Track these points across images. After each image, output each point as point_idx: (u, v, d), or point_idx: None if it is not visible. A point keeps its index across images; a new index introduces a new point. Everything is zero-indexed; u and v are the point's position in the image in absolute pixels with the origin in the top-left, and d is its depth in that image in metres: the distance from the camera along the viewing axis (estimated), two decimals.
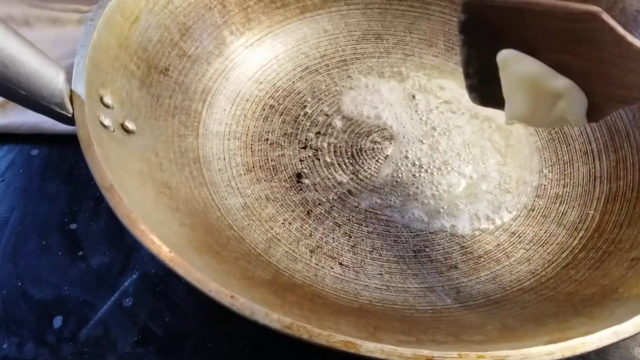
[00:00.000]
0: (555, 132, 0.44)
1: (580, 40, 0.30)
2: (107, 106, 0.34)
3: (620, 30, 0.28)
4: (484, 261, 0.37)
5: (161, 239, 0.27)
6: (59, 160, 0.44)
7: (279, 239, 0.38)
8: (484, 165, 0.42)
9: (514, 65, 0.33)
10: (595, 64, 0.30)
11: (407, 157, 0.42)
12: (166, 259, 0.26)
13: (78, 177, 0.43)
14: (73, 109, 0.31)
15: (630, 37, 0.28)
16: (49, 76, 0.30)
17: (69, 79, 0.32)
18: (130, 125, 0.35)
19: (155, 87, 0.40)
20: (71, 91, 0.32)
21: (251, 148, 0.42)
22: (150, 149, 0.36)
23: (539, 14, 0.31)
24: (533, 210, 0.40)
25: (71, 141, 0.44)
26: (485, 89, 0.36)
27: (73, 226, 0.40)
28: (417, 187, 0.41)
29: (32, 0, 0.54)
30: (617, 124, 0.42)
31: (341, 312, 0.32)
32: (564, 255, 0.37)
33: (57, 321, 0.36)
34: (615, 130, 0.42)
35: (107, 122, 0.33)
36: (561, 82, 0.31)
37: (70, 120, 0.32)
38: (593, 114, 0.31)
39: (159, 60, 0.40)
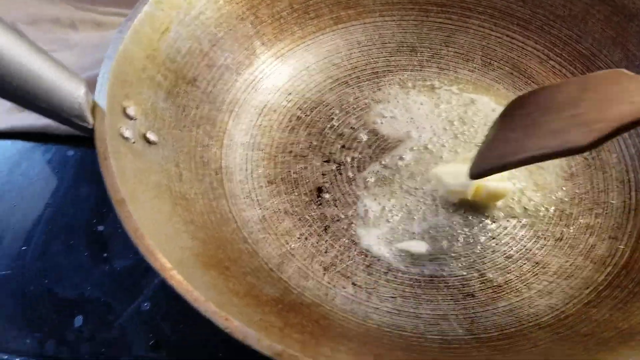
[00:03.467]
0: (592, 159, 0.42)
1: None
2: (129, 117, 0.35)
3: None
4: (502, 291, 0.36)
5: (166, 255, 0.28)
6: (92, 162, 0.45)
7: (293, 254, 0.38)
8: (513, 187, 0.41)
9: None
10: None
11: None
12: (166, 276, 0.27)
13: None
14: (94, 121, 0.33)
15: None
16: (69, 89, 0.31)
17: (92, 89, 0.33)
18: (152, 136, 0.36)
19: (181, 98, 0.40)
20: (93, 102, 0.33)
21: (274, 160, 0.43)
22: (171, 160, 0.37)
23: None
24: (561, 240, 0.38)
25: None
26: None
27: (100, 228, 0.42)
28: None
29: (78, 3, 0.56)
30: None
31: (344, 336, 0.32)
32: (587, 291, 0.35)
33: (78, 320, 0.38)
34: None
35: (127, 133, 0.34)
36: None
37: (90, 132, 0.33)
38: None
39: (187, 71, 0.41)
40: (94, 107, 0.33)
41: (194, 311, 0.38)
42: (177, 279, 0.27)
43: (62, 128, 0.46)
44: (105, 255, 0.41)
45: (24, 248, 0.41)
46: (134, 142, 0.34)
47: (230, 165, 0.41)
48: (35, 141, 0.47)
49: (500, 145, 0.34)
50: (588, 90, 0.31)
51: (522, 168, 0.42)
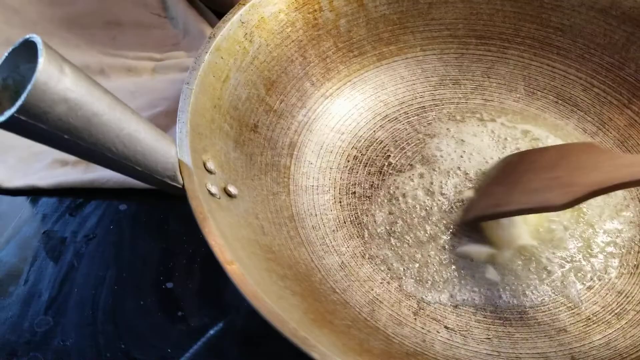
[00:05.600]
0: None
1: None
2: (210, 172, 0.34)
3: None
4: (593, 323, 0.36)
5: (286, 316, 0.27)
6: (148, 215, 0.44)
7: (380, 301, 0.37)
8: (584, 216, 0.41)
9: None
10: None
11: None
12: (302, 345, 0.25)
13: (168, 233, 0.43)
14: (183, 180, 0.31)
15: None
16: (163, 150, 0.30)
17: None
18: (232, 189, 0.35)
19: (247, 146, 0.39)
20: (179, 161, 0.32)
21: (340, 202, 0.42)
22: (251, 212, 0.36)
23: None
24: (638, 268, 0.39)
25: (159, 195, 0.44)
26: None
27: (169, 285, 0.40)
28: None
29: (106, 49, 0.54)
30: None
31: None
32: None
33: None
34: None
35: (213, 189, 0.33)
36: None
37: (179, 191, 0.31)
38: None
39: (248, 118, 0.40)
40: (181, 165, 0.31)
41: None
42: (315, 347, 0.25)
43: (111, 182, 0.45)
44: (180, 314, 0.39)
45: (90, 312, 0.39)
46: (219, 198, 0.33)
47: (300, 211, 0.40)
48: (83, 197, 0.45)
49: (488, 198, 0.39)
50: (565, 157, 0.36)
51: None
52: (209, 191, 0.32)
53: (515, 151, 0.45)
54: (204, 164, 0.34)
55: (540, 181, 0.35)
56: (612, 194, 0.42)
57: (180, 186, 0.31)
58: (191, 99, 0.35)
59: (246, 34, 0.41)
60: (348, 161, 0.44)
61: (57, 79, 0.24)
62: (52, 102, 0.24)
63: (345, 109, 0.47)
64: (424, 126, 0.47)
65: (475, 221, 0.40)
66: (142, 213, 0.44)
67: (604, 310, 0.37)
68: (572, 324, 0.36)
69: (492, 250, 0.39)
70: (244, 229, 0.34)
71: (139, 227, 0.43)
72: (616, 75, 0.46)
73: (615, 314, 0.37)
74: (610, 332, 0.36)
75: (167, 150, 0.30)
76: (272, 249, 0.35)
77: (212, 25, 0.55)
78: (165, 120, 0.48)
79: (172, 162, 0.31)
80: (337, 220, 0.41)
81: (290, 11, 0.43)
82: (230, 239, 0.30)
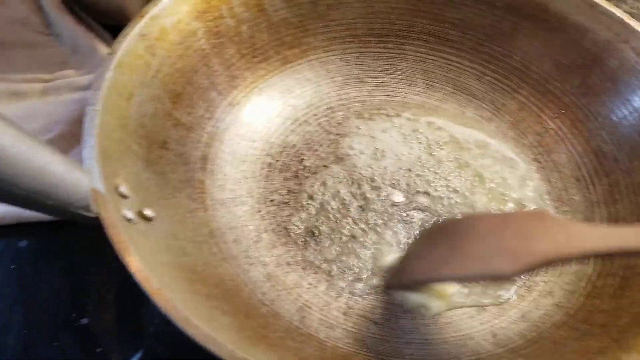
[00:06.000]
0: (545, 161, 0.46)
1: None
2: (124, 196, 0.32)
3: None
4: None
5: (223, 339, 0.26)
6: (51, 249, 0.41)
7: (309, 306, 0.37)
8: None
9: None
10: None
11: (413, 201, 0.43)
12: None
13: (76, 266, 0.40)
14: (98, 208, 0.29)
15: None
16: (75, 180, 0.28)
17: None
18: (148, 212, 0.33)
19: (158, 164, 0.38)
20: (92, 190, 0.30)
21: (259, 211, 0.41)
22: (170, 234, 0.35)
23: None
24: None
25: (61, 227, 0.41)
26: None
27: (84, 321, 0.38)
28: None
29: None
30: (603, 148, 0.44)
31: None
32: (582, 284, 0.38)
33: None
34: (602, 155, 0.44)
35: (129, 214, 0.31)
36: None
37: (94, 222, 0.30)
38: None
39: (157, 134, 0.39)
40: (94, 193, 0.30)
41: None
42: None
43: (7, 219, 0.41)
44: (98, 350, 0.37)
45: None
46: (136, 223, 0.32)
47: (220, 225, 0.39)
48: None
49: (423, 261, 0.35)
50: (512, 225, 0.33)
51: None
52: (124, 217, 0.31)
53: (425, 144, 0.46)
54: (117, 189, 0.32)
55: (485, 248, 0.32)
56: None
57: (95, 216, 0.30)
58: (97, 121, 0.33)
59: (147, 46, 0.39)
60: (262, 169, 0.44)
61: None
62: None
63: (255, 116, 0.46)
64: (334, 126, 0.47)
65: (407, 286, 0.38)
66: (45, 248, 0.41)
67: (516, 285, 0.39)
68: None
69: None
70: (164, 253, 0.32)
71: (43, 264, 0.40)
72: (505, 63, 0.49)
73: (526, 286, 0.39)
74: (524, 304, 0.38)
75: (79, 180, 0.29)
76: (195, 269, 0.34)
77: (103, 40, 0.52)
78: (61, 144, 0.45)
79: (84, 192, 0.29)
80: (258, 231, 0.40)
81: (191, 20, 0.42)
82: (153, 265, 0.29)
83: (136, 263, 0.28)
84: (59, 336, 0.37)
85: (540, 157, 0.47)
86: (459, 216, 0.42)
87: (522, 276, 0.36)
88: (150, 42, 0.39)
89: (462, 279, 0.36)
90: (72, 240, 0.41)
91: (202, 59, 0.43)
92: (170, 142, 0.40)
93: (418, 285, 0.37)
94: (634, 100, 0.45)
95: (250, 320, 0.33)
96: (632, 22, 0.44)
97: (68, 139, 0.45)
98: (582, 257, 0.30)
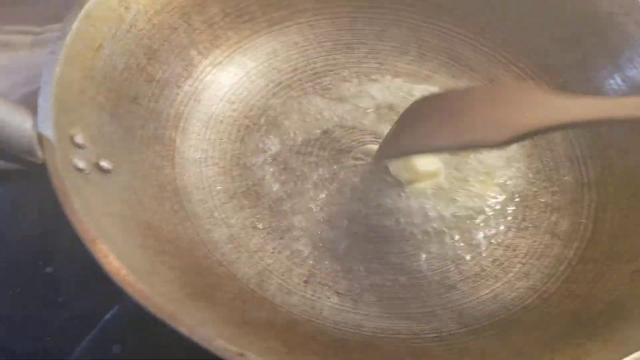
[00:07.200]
0: (538, 139, 0.44)
1: None
2: (79, 146, 0.32)
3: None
4: (481, 279, 0.37)
5: (156, 294, 0.26)
6: (19, 197, 0.41)
7: (270, 271, 0.36)
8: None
9: None
10: None
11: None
12: (169, 320, 0.24)
13: (46, 215, 0.40)
14: (44, 155, 0.29)
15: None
16: (16, 123, 0.28)
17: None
18: (105, 163, 0.33)
19: (126, 119, 0.37)
20: (39, 135, 0.29)
21: (230, 174, 0.41)
22: (128, 187, 0.34)
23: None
24: (525, 221, 0.40)
25: (36, 177, 0.41)
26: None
27: (49, 269, 0.38)
28: None
29: None
30: (600, 130, 0.42)
31: (351, 349, 0.31)
32: (562, 268, 0.37)
33: None
34: (597, 135, 0.42)
35: (81, 164, 0.31)
36: None
37: (41, 168, 0.29)
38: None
39: (127, 89, 0.38)
40: (41, 140, 0.29)
41: (167, 345, 0.36)
42: (182, 321, 0.24)
43: None
44: (60, 299, 0.37)
45: None
46: (88, 173, 0.31)
47: (187, 184, 0.39)
48: None
49: (411, 134, 0.37)
50: (502, 96, 0.35)
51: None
52: (75, 166, 0.30)
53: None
54: (72, 138, 0.32)
55: (476, 117, 0.33)
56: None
57: (39, 162, 0.29)
58: (56, 70, 0.32)
59: (121, 0, 0.38)
60: (239, 131, 0.43)
61: None
62: None
63: (236, 78, 0.45)
64: (318, 92, 0.46)
65: (396, 156, 0.39)
66: (13, 196, 0.41)
67: (492, 264, 0.38)
68: (462, 280, 0.37)
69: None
70: (117, 205, 0.32)
71: (9, 211, 0.40)
72: (502, 33, 0.47)
73: (503, 268, 0.38)
74: (498, 285, 0.37)
75: (21, 123, 0.28)
76: (151, 224, 0.34)
77: None
78: None
79: (27, 136, 0.28)
80: (227, 192, 0.40)
81: None
82: (97, 216, 0.29)
83: (75, 211, 0.27)
84: (20, 282, 0.37)
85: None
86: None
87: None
88: None
89: (454, 148, 0.37)
90: (46, 189, 0.41)
91: (182, 16, 0.42)
92: (141, 98, 0.39)
93: (410, 155, 0.39)
94: (636, 76, 0.42)
95: (199, 278, 0.32)
96: None
97: None
98: (568, 127, 0.32)
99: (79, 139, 0.32)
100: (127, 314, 0.37)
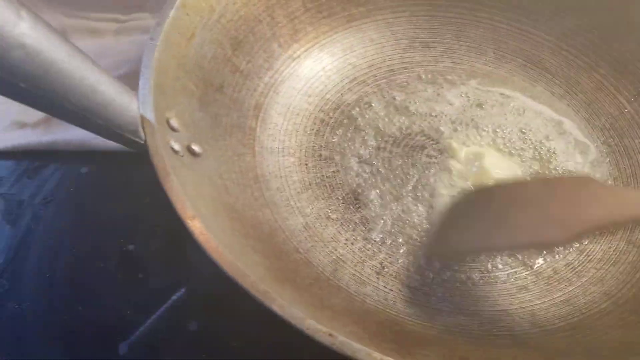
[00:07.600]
0: (615, 145, 0.43)
1: None
2: (174, 130, 0.33)
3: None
4: (554, 281, 0.37)
5: (248, 271, 0.27)
6: (110, 179, 0.43)
7: (344, 261, 0.37)
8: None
9: None
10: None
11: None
12: (264, 299, 0.25)
13: (131, 196, 0.42)
14: (145, 136, 0.31)
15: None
16: (124, 104, 0.29)
17: None
18: (196, 148, 0.34)
19: (213, 106, 0.39)
20: (141, 117, 0.31)
21: (306, 164, 0.42)
22: (215, 172, 0.35)
23: None
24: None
25: (122, 158, 0.43)
26: None
27: (131, 247, 0.39)
28: None
29: (67, 10, 0.53)
30: None
31: (424, 341, 0.32)
32: (638, 275, 0.36)
33: (123, 347, 0.36)
34: None
35: (176, 147, 0.32)
36: None
37: (141, 147, 0.31)
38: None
39: (214, 77, 0.39)
40: (143, 121, 0.31)
41: (242, 324, 0.37)
42: (276, 300, 0.25)
43: (72, 145, 0.44)
44: (140, 276, 0.38)
45: (47, 275, 0.38)
46: (182, 155, 0.33)
47: (265, 172, 0.40)
48: (41, 160, 0.44)
49: (467, 232, 0.35)
50: (558, 192, 0.33)
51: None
52: (172, 148, 0.32)
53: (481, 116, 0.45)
54: (167, 122, 0.33)
55: (532, 216, 0.32)
56: None
57: (142, 142, 0.31)
58: (155, 55, 0.34)
59: None
60: (315, 124, 0.44)
61: (13, 23, 0.23)
62: (8, 47, 0.23)
63: (313, 72, 0.46)
64: (393, 89, 0.47)
65: (448, 257, 0.38)
66: (105, 176, 0.43)
67: (566, 268, 0.38)
68: (534, 282, 0.37)
69: None
70: (207, 188, 0.33)
71: (100, 191, 0.42)
72: (584, 38, 0.46)
73: (576, 272, 0.37)
74: (571, 289, 0.37)
75: (128, 105, 0.30)
76: (236, 208, 0.35)
77: None
78: (128, 82, 0.46)
79: (133, 117, 0.30)
80: (303, 183, 0.41)
81: None
82: (192, 196, 0.30)
83: (175, 190, 0.28)
84: (105, 258, 0.39)
85: (612, 140, 0.44)
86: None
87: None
88: None
89: (513, 249, 0.36)
90: (132, 173, 0.43)
91: (266, 9, 0.44)
92: (226, 87, 0.40)
93: (463, 255, 0.37)
94: None
95: (281, 263, 0.33)
96: None
97: (135, 77, 0.47)
98: (629, 222, 0.30)
99: (174, 122, 0.33)
100: (195, 295, 0.39)
